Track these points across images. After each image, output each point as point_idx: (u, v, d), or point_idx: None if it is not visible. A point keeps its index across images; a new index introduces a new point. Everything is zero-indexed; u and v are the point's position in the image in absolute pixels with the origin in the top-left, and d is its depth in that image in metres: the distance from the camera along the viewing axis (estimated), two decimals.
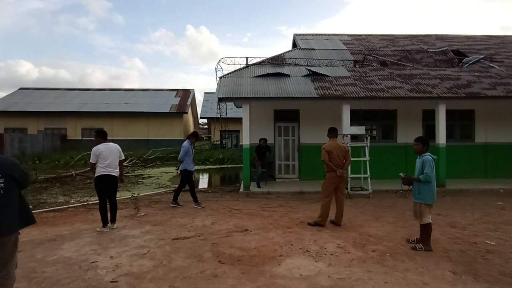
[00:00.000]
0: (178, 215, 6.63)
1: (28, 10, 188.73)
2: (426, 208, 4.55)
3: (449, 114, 10.13)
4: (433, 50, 13.82)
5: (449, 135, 10.46)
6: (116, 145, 5.68)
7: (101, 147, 5.49)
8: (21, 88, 29.64)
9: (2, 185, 2.61)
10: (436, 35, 16.38)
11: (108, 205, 5.61)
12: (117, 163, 5.59)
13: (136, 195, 8.51)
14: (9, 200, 2.63)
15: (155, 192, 9.53)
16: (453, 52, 13.46)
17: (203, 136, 60.82)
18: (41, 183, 10.40)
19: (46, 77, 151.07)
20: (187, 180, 7.30)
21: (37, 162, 16.58)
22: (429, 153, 4.60)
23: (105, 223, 5.56)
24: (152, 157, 17.31)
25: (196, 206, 7.10)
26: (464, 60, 12.71)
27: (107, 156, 5.47)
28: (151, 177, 12.97)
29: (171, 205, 7.27)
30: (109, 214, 5.63)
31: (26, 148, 19.65)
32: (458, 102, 10.26)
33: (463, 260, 4.18)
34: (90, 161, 5.52)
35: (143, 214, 6.71)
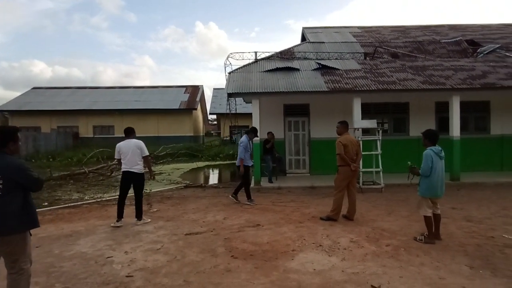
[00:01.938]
0: (190, 210, 6.70)
1: (40, 10, 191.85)
2: (422, 200, 4.56)
3: (463, 106, 9.90)
4: (446, 40, 13.51)
5: (463, 128, 10.23)
6: (137, 142, 5.69)
7: (121, 144, 5.69)
8: (34, 88, 30.19)
9: (0, 186, 2.60)
10: (449, 25, 15.99)
11: (135, 201, 5.80)
12: (138, 160, 5.61)
13: (148, 192, 8.61)
14: (6, 202, 2.62)
15: (167, 188, 9.63)
16: (467, 42, 13.12)
17: (212, 132, 61.14)
18: (55, 180, 10.63)
19: (59, 76, 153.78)
20: (244, 176, 7.22)
21: (51, 160, 16.93)
22: (433, 147, 4.51)
23: (119, 217, 5.67)
24: (162, 153, 17.48)
25: (248, 203, 7.03)
26: (478, 50, 12.38)
27: (126, 153, 5.60)
28: (162, 173, 13.11)
29: (230, 196, 7.29)
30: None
31: (40, 146, 20.07)
32: (473, 94, 10.02)
33: (480, 254, 4.10)
34: (115, 157, 5.79)
35: (155, 210, 6.80)
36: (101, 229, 5.45)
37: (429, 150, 4.48)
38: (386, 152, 9.34)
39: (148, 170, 5.92)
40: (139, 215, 5.76)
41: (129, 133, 5.78)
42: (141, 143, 5.68)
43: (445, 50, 12.76)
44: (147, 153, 5.68)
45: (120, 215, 5.68)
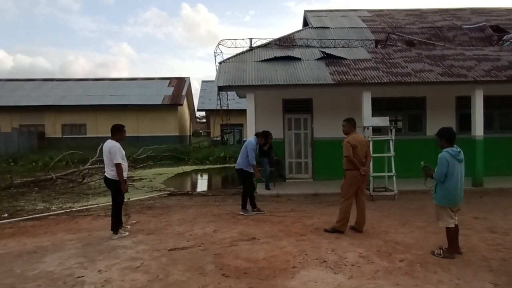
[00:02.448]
0: (174, 222, 6.68)
1: None
2: (441, 210, 4.58)
3: (487, 101, 10.02)
4: (468, 26, 13.65)
5: (487, 126, 10.34)
6: (111, 144, 5.68)
7: (103, 145, 5.82)
8: None
9: None
10: (471, 9, 16.17)
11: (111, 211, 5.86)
12: (110, 164, 5.64)
13: (125, 200, 8.58)
14: None
15: (148, 196, 9.59)
16: (491, 28, 13.27)
17: (201, 131, 61.04)
18: (17, 187, 10.54)
19: (21, 66, 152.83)
20: (245, 182, 7.25)
21: (12, 164, 16.78)
22: (450, 148, 4.52)
23: (118, 227, 5.79)
24: (143, 156, 17.42)
25: (241, 213, 7.10)
26: (504, 38, 12.53)
27: (104, 155, 5.73)
28: (142, 179, 13.07)
29: (241, 213, 7.13)
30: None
31: None
32: (498, 87, 10.14)
33: (505, 270, 4.15)
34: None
35: (134, 221, 6.77)
36: (71, 245, 5.42)
37: (445, 152, 4.49)
38: (399, 154, 9.40)
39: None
40: (114, 227, 5.76)
41: (112, 131, 5.82)
42: (113, 146, 5.65)
43: (467, 37, 12.90)
44: (116, 160, 5.58)
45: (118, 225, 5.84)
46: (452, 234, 4.57)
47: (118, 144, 5.71)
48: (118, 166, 5.59)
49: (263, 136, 7.33)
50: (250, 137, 9.50)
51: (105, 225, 6.48)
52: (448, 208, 4.56)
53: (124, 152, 5.81)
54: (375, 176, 8.65)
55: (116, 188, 5.71)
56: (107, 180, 5.76)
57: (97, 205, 8.37)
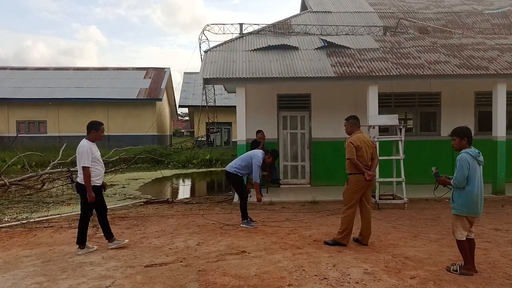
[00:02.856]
0: (152, 234, 6.67)
1: None
2: (458, 220, 4.64)
3: (511, 97, 10.22)
4: (490, 11, 13.89)
5: (510, 125, 10.55)
6: (80, 143, 5.71)
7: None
8: None
9: None
10: None
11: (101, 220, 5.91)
12: (79, 167, 5.64)
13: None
14: None
15: (120, 205, 9.56)
16: None
17: (183, 130, 60.81)
18: None
19: None
20: (240, 189, 7.32)
21: None
22: (469, 149, 4.62)
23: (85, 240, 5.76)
24: (114, 159, 17.29)
25: (243, 226, 7.12)
26: None
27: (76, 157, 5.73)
28: (114, 185, 12.99)
29: (242, 226, 7.13)
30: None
31: None
32: None
33: None
34: None
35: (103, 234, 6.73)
36: (28, 262, 5.36)
37: (465, 153, 4.58)
38: (410, 156, 9.53)
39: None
40: (79, 239, 5.73)
41: (87, 129, 5.84)
42: (81, 146, 5.65)
43: (488, 24, 13.12)
44: (82, 163, 5.55)
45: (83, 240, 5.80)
46: (466, 248, 4.64)
47: (88, 144, 5.69)
48: (84, 170, 5.57)
49: (271, 155, 7.38)
50: (240, 136, 9.63)
51: (69, 238, 6.44)
52: (466, 218, 4.64)
53: (99, 154, 5.79)
54: (382, 181, 8.75)
55: (83, 194, 5.69)
56: (77, 186, 5.78)
57: (59, 216, 8.30)
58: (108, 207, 9.11)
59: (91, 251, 5.70)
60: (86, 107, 25.50)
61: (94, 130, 5.81)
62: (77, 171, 12.26)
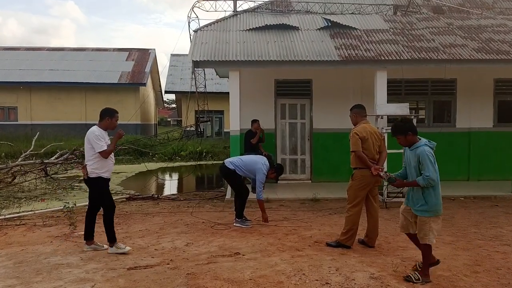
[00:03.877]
0: (135, 234, 6.67)
1: None
2: (435, 222, 4.58)
3: None
4: None
5: None
6: (90, 130, 5.73)
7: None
8: None
9: None
10: None
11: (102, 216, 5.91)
12: (89, 157, 5.67)
13: (70, 206, 8.50)
14: None
15: None
16: None
17: (169, 119, 60.63)
18: None
19: None
20: (237, 184, 7.36)
21: None
22: (425, 140, 4.65)
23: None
24: None
25: (237, 225, 7.13)
26: None
27: (85, 147, 5.76)
28: None
29: (235, 225, 7.14)
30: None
31: None
32: None
33: None
34: None
35: (82, 233, 6.71)
36: None
37: (425, 145, 4.56)
38: None
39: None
40: (85, 234, 5.84)
41: (100, 115, 5.86)
42: (91, 132, 5.66)
43: (510, 3, 13.12)
44: (99, 149, 5.58)
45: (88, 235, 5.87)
46: (431, 251, 4.68)
47: (99, 131, 5.69)
48: (103, 154, 5.59)
49: (275, 171, 7.39)
50: (233, 126, 9.59)
51: (43, 237, 6.44)
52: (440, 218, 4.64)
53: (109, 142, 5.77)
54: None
55: (93, 187, 5.76)
56: (88, 180, 5.74)
57: (32, 212, 8.27)
58: (86, 204, 9.16)
59: (99, 250, 5.74)
60: (61, 92, 25.31)
61: (109, 117, 5.81)
62: (52, 163, 12.38)
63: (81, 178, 12.68)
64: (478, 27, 11.32)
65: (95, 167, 5.66)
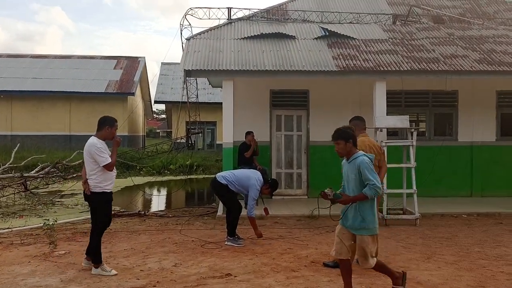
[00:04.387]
0: (120, 253, 6.59)
1: None
2: (375, 242, 4.51)
3: None
4: None
5: None
6: (89, 142, 5.61)
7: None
8: None
9: None
10: None
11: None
12: (89, 171, 5.59)
13: (51, 223, 8.41)
14: None
15: (82, 218, 9.44)
16: None
17: (158, 130, 60.56)
18: None
19: None
20: (229, 200, 7.37)
21: None
22: (363, 152, 4.60)
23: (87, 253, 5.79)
24: (76, 162, 17.09)
25: (228, 244, 7.09)
26: None
27: (84, 160, 5.70)
28: (75, 194, 12.85)
29: (227, 243, 7.09)
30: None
31: None
32: None
33: None
34: None
35: (63, 252, 6.65)
36: None
37: (364, 156, 4.49)
38: (422, 164, 9.56)
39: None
40: (95, 258, 5.64)
41: (98, 124, 5.74)
42: (91, 145, 5.53)
43: None
44: (104, 162, 5.48)
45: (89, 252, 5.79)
46: (383, 263, 4.65)
47: (98, 141, 5.58)
48: (107, 167, 5.51)
49: (270, 187, 7.40)
50: (226, 138, 9.58)
51: (21, 256, 6.34)
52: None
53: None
54: (390, 193, 8.76)
55: (95, 203, 5.67)
56: (89, 195, 5.65)
57: (9, 230, 8.18)
58: (69, 220, 9.10)
59: (105, 274, 5.50)
60: (44, 102, 25.22)
61: (109, 126, 5.68)
62: (32, 177, 12.24)
63: (63, 193, 12.69)
64: (480, 38, 11.45)
65: (98, 180, 5.57)
